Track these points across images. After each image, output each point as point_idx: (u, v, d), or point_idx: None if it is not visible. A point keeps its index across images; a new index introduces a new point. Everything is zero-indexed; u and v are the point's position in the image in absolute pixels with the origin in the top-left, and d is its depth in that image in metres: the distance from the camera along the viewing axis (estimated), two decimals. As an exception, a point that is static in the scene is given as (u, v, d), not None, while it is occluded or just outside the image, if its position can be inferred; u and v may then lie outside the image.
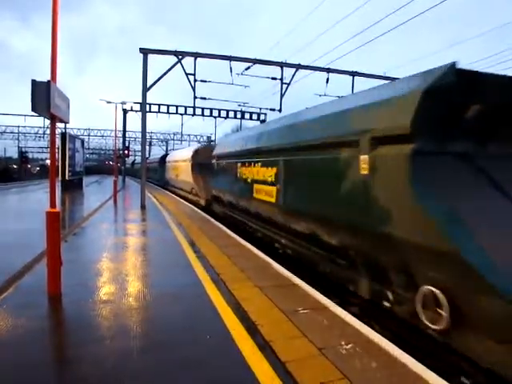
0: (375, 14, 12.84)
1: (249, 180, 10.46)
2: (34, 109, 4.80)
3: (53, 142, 5.48)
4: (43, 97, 4.74)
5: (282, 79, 19.10)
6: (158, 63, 17.67)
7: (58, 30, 5.03)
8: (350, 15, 12.68)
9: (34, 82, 4.73)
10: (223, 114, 26.77)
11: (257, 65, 18.19)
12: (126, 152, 35.62)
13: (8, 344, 3.68)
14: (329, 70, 19.05)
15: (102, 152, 76.00)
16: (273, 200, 8.56)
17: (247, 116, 27.19)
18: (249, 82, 19.99)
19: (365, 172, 5.11)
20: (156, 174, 41.26)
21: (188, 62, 17.19)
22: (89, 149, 66.43)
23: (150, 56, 16.12)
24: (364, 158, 5.13)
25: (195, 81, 17.89)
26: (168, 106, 27.95)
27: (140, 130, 17.49)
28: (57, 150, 22.60)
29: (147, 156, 52.78)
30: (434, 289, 4.03)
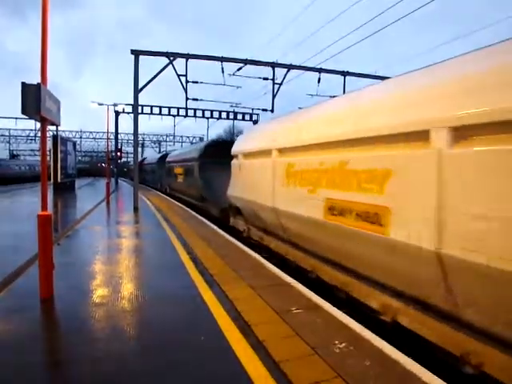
0: (373, 11, 12.86)
1: None
2: (24, 111, 4.77)
3: (44, 144, 5.45)
4: (33, 99, 4.72)
5: (273, 79, 19.14)
6: (153, 63, 17.64)
7: (48, 30, 5.01)
8: (345, 11, 12.68)
9: (23, 84, 4.71)
10: (215, 114, 26.80)
11: (249, 65, 18.20)
12: (119, 154, 35.26)
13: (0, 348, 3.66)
14: (320, 70, 19.12)
15: (95, 154, 75.62)
16: None
17: (240, 117, 27.24)
18: (241, 83, 20.03)
19: None
20: (188, 185, 20.50)
21: (180, 62, 17.20)
22: (81, 151, 66.00)
23: (146, 56, 16.14)
24: None
25: (187, 82, 17.87)
26: (160, 107, 27.96)
27: (132, 131, 17.43)
28: (48, 153, 22.60)
29: (165, 151, 44.63)
30: None
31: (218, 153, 15.49)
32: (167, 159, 29.13)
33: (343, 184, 5.42)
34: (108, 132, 27.06)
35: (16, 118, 51.18)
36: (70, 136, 56.45)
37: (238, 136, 13.54)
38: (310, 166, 6.48)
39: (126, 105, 29.52)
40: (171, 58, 16.63)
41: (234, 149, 11.31)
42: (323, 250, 6.49)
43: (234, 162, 11.31)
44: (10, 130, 58.25)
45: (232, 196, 11.26)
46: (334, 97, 17.61)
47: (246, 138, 11.33)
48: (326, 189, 5.90)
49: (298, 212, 6.78)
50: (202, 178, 16.93)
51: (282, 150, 7.80)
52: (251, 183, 9.48)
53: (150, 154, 57.40)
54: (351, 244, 5.46)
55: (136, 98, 16.19)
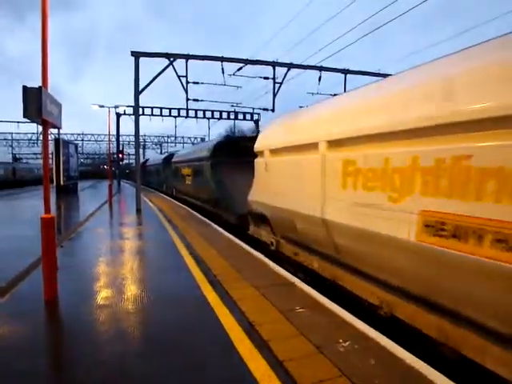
0: (374, 9, 12.79)
1: None
2: (25, 115, 4.79)
3: (46, 147, 5.46)
4: (35, 103, 4.74)
5: (274, 79, 19.12)
6: (153, 64, 17.66)
7: (48, 34, 5.02)
8: (345, 9, 12.62)
9: (25, 87, 4.73)
10: (216, 115, 26.85)
11: (249, 65, 18.18)
12: (120, 156, 35.28)
13: (4, 350, 3.67)
14: (321, 69, 19.09)
15: (96, 156, 75.73)
16: None
17: (240, 116, 27.28)
18: (241, 82, 20.05)
19: None
20: (198, 188, 18.24)
21: (181, 63, 17.20)
22: (83, 153, 66.18)
23: (146, 58, 16.18)
24: None
25: (187, 83, 17.86)
26: (161, 108, 28.03)
27: (134, 133, 17.44)
28: (50, 156, 22.64)
29: (167, 152, 41.32)
30: None
31: (234, 150, 14.14)
32: (173, 159, 26.48)
33: (463, 190, 3.51)
34: (109, 134, 27.09)
35: (18, 122, 51.40)
36: (72, 139, 56.62)
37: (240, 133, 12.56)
38: (390, 163, 4.49)
39: (127, 106, 29.58)
40: (171, 59, 16.62)
41: (258, 144, 9.18)
42: (409, 282, 4.55)
43: (257, 160, 9.19)
44: (12, 133, 58.48)
45: (255, 201, 9.22)
46: (335, 95, 17.06)
47: (274, 129, 8.83)
48: (421, 196, 3.99)
49: (366, 227, 4.85)
50: (214, 180, 14.64)
51: (336, 143, 5.63)
52: (284, 186, 7.37)
53: (154, 155, 57.21)
54: (477, 283, 3.53)
55: (137, 100, 16.21)
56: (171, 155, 29.74)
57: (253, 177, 9.61)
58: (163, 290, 5.55)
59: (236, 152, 13.97)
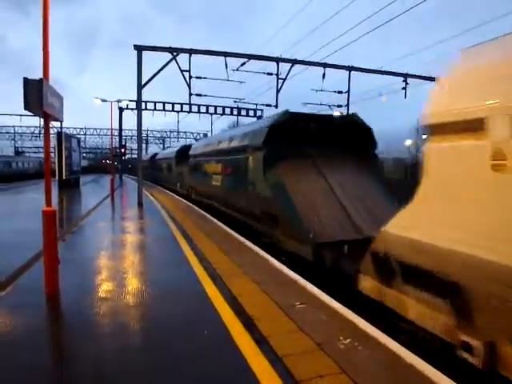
0: (378, 5, 12.69)
1: None
2: (26, 107, 4.76)
3: (47, 140, 5.43)
4: (36, 95, 4.70)
5: (277, 74, 19.04)
6: (156, 59, 17.62)
7: (50, 26, 4.99)
8: (350, 4, 12.53)
9: (26, 79, 4.69)
10: (219, 110, 26.82)
11: (252, 60, 18.09)
12: (123, 150, 35.31)
13: (6, 344, 3.66)
14: (325, 65, 18.98)
15: (99, 151, 75.77)
16: None
17: (243, 112, 27.23)
18: (244, 78, 19.97)
19: None
20: (234, 192, 12.12)
21: (184, 58, 17.13)
22: (85, 148, 66.21)
23: (149, 52, 16.14)
24: None
25: (190, 77, 17.81)
26: (164, 103, 27.99)
27: (136, 127, 17.40)
28: (52, 149, 22.65)
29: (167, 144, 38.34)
30: None
31: (304, 135, 9.20)
32: (191, 152, 20.74)
33: None
34: (112, 129, 27.07)
35: (20, 115, 51.43)
36: (75, 133, 56.65)
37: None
38: None
39: (130, 101, 29.53)
40: (174, 54, 16.57)
41: (443, 107, 4.06)
42: None
43: (435, 146, 4.16)
44: (14, 127, 58.57)
45: (414, 241, 4.28)
46: (340, 92, 16.86)
47: None
48: None
49: None
50: (269, 182, 8.94)
51: None
52: None
53: (165, 148, 56.51)
54: None
55: (139, 94, 16.18)
56: (187, 147, 24.19)
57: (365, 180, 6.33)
58: (164, 285, 5.54)
59: (310, 138, 9.19)
